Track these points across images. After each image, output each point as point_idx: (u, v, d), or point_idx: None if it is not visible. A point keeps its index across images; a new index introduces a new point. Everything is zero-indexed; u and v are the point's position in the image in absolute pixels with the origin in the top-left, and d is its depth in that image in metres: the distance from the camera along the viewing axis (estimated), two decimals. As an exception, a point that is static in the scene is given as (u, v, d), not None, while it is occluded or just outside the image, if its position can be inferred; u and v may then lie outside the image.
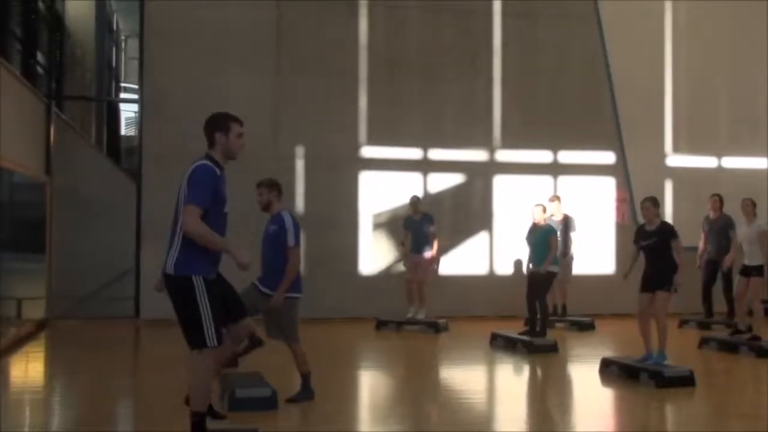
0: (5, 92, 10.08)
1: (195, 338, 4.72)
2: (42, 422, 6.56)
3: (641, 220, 13.18)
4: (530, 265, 10.08)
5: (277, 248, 6.66)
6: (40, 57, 13.83)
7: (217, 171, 4.86)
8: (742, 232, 10.04)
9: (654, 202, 8.12)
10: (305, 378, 6.74)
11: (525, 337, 9.72)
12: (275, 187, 6.83)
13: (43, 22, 14.17)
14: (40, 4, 13.89)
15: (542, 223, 10.09)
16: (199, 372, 4.82)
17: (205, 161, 4.87)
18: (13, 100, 10.52)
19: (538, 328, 9.85)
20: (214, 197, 4.78)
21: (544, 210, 10.30)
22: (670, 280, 7.82)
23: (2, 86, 9.90)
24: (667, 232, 7.96)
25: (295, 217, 6.88)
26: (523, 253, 10.49)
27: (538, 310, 9.93)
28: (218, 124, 4.98)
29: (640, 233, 8.20)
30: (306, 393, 6.73)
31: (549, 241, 9.89)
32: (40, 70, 13.63)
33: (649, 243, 8.02)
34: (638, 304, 8.07)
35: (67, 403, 7.32)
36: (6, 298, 11.15)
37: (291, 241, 6.61)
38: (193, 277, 4.69)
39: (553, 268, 9.97)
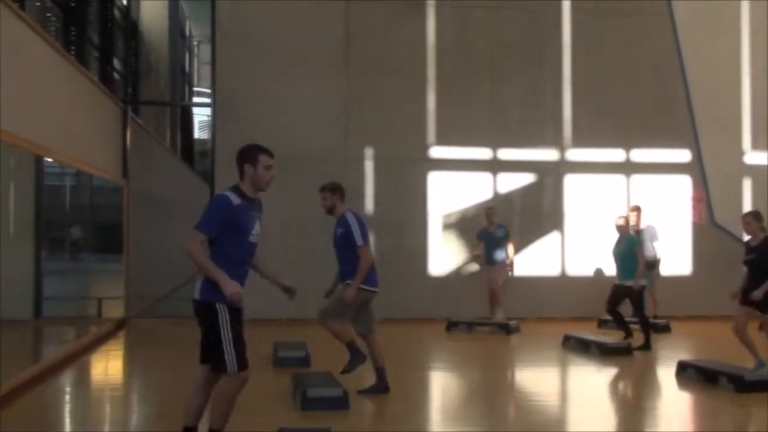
0: (85, 99, 10.42)
1: (217, 362, 4.81)
2: (121, 419, 6.74)
3: (718, 220, 12.92)
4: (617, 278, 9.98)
5: (347, 250, 6.86)
6: (116, 63, 14.23)
7: (236, 201, 4.79)
8: None
9: (755, 217, 7.85)
10: (379, 371, 6.89)
11: (596, 338, 9.62)
12: (338, 190, 6.98)
13: (119, 30, 14.57)
14: (116, 13, 14.29)
15: (626, 233, 9.98)
16: (225, 393, 4.92)
17: (225, 191, 4.89)
18: (92, 106, 10.85)
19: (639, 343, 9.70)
20: (229, 226, 4.76)
21: (627, 221, 10.16)
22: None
23: (82, 93, 10.23)
24: (766, 248, 7.68)
25: (359, 216, 7.01)
26: (599, 258, 10.30)
27: (638, 318, 9.83)
28: (247, 155, 4.92)
29: (746, 248, 7.93)
30: (379, 387, 6.88)
31: (635, 252, 9.73)
32: (116, 76, 14.02)
33: (749, 258, 7.78)
34: (736, 319, 7.80)
35: (145, 400, 7.51)
36: (87, 298, 11.51)
37: (359, 241, 6.79)
38: (217, 304, 4.76)
39: (642, 281, 9.78)
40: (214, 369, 4.90)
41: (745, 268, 7.95)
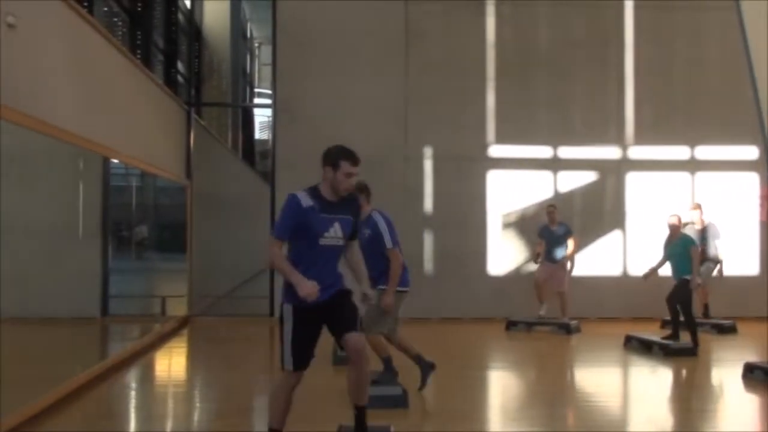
0: (150, 101, 10.66)
1: (280, 357, 4.95)
2: (184, 413, 6.89)
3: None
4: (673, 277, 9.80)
5: (375, 251, 6.73)
6: (180, 66, 14.52)
7: (306, 203, 4.75)
8: None
9: None
10: (387, 361, 7.00)
11: (659, 339, 9.45)
12: (364, 190, 6.82)
13: (182, 33, 14.86)
14: (180, 16, 14.57)
15: (678, 232, 9.80)
16: (274, 388, 5.10)
17: (299, 191, 4.85)
18: (157, 108, 11.10)
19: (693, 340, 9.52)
20: (301, 228, 4.75)
21: (680, 219, 9.98)
22: None
23: (147, 95, 10.47)
24: None
25: (387, 216, 6.89)
26: (656, 259, 10.12)
27: (682, 318, 9.61)
28: (329, 158, 4.84)
29: None
30: (388, 374, 6.98)
31: (690, 253, 9.56)
32: (180, 78, 14.30)
33: None
34: None
35: (207, 397, 7.65)
36: (152, 296, 11.76)
37: (389, 243, 6.70)
38: (284, 305, 4.86)
39: (698, 279, 9.63)
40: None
41: None
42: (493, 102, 12.71)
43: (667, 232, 10.00)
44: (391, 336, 7.03)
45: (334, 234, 4.85)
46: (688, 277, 9.52)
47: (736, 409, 7.05)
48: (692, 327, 9.59)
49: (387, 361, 6.96)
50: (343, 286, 4.99)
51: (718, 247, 11.17)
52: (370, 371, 5.37)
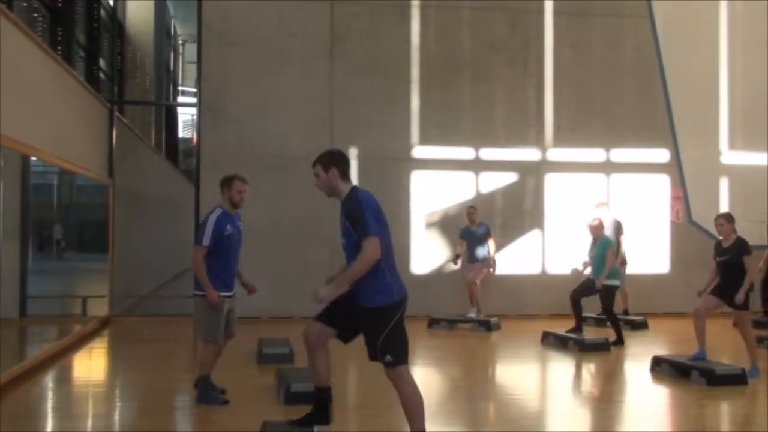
0: (71, 98, 10.50)
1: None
2: (104, 413, 6.86)
3: (695, 218, 13.13)
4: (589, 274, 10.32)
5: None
6: (102, 63, 14.30)
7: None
8: None
9: (727, 219, 8.16)
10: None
11: (574, 335, 9.84)
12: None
13: (105, 30, 14.64)
14: (103, 13, 14.35)
15: (600, 234, 10.29)
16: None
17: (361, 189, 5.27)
18: (79, 105, 10.94)
19: (613, 339, 9.97)
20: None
21: (601, 223, 10.40)
22: (746, 298, 7.80)
23: (68, 92, 10.31)
24: (740, 249, 7.95)
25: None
26: (579, 261, 10.53)
27: (607, 316, 10.17)
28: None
29: (717, 249, 8.22)
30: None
31: (605, 255, 10.00)
32: (102, 76, 14.09)
33: (724, 259, 8.05)
34: (702, 303, 8.07)
35: (127, 396, 7.62)
36: (73, 297, 11.58)
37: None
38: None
39: (614, 281, 10.11)
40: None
41: (714, 267, 8.24)
42: (417, 104, 12.93)
43: (589, 237, 10.40)
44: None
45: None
46: (607, 282, 9.96)
47: (643, 399, 7.39)
48: (615, 324, 10.07)
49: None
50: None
51: (621, 243, 11.62)
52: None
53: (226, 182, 6.74)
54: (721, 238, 8.21)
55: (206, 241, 6.61)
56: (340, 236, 5.12)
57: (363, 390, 7.76)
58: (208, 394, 6.69)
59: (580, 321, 10.20)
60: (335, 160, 5.21)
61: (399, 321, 5.08)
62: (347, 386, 7.43)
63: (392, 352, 5.02)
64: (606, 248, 10.09)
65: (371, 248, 4.80)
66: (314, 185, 5.25)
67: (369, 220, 4.91)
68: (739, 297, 7.77)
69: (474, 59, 13.11)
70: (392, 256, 5.09)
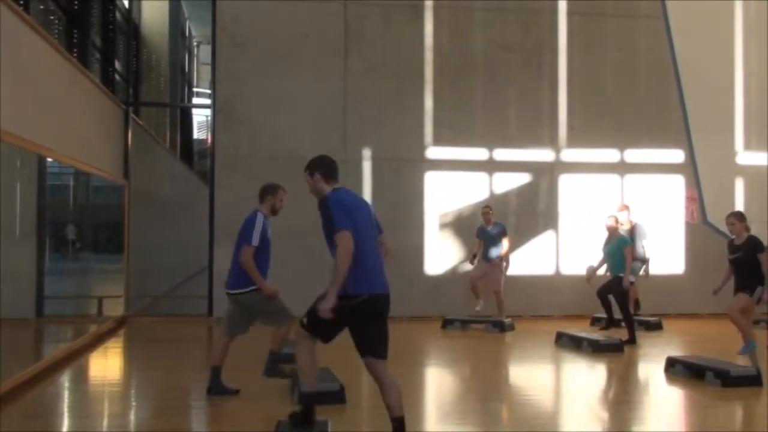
0: (87, 100, 10.58)
1: (386, 349, 5.52)
2: (119, 412, 6.91)
3: (710, 219, 13.07)
4: (607, 273, 10.41)
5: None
6: (117, 65, 14.40)
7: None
8: None
9: (738, 217, 8.21)
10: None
11: (588, 335, 9.84)
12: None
13: (120, 32, 14.74)
14: (118, 14, 14.45)
15: (616, 233, 10.33)
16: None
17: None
18: (94, 107, 11.02)
19: (626, 338, 10.01)
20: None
21: (617, 221, 10.46)
22: (754, 285, 7.81)
23: (84, 94, 10.39)
24: (753, 246, 7.96)
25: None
26: (593, 257, 10.59)
27: (622, 314, 10.23)
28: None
29: (729, 247, 8.28)
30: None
31: (624, 253, 10.05)
32: (118, 77, 14.19)
33: (736, 257, 8.07)
34: (731, 304, 8.15)
35: (142, 395, 7.67)
36: (89, 297, 11.65)
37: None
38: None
39: (630, 278, 10.20)
40: (384, 357, 5.34)
41: (728, 266, 8.28)
42: (430, 104, 12.94)
43: (605, 234, 10.50)
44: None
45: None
46: (622, 274, 10.02)
47: (658, 400, 7.38)
48: (629, 322, 10.11)
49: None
50: None
51: (645, 246, 11.61)
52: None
53: (271, 190, 7.18)
54: (733, 236, 8.21)
55: (255, 240, 6.89)
56: None
57: (375, 390, 7.75)
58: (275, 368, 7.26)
59: (612, 314, 10.28)
60: (317, 165, 5.38)
61: (359, 313, 5.20)
62: (360, 386, 7.44)
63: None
64: (623, 246, 10.18)
65: (344, 242, 4.99)
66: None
67: (337, 215, 5.05)
68: (765, 297, 7.81)
69: (487, 60, 13.11)
70: (366, 252, 5.19)
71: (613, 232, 10.47)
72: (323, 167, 5.38)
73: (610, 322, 10.63)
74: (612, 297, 10.38)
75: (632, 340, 10.00)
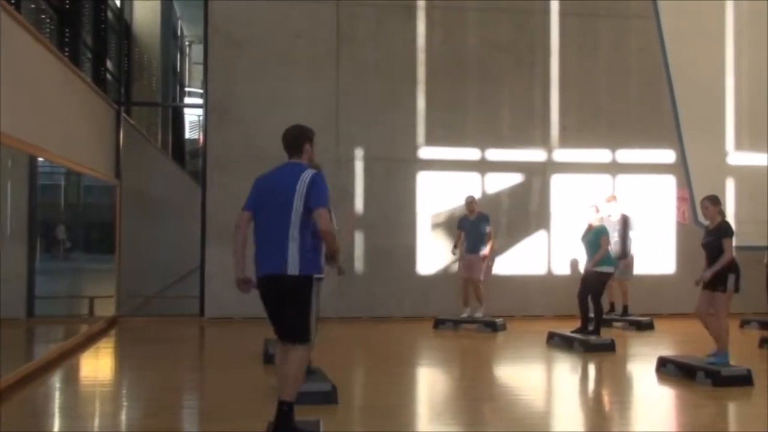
0: (78, 99, 10.55)
1: (301, 334, 5.01)
2: (111, 412, 6.89)
3: (702, 219, 13.11)
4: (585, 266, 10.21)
5: None
6: (109, 64, 14.37)
7: None
8: None
9: (712, 201, 8.11)
10: None
11: (579, 336, 9.80)
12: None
13: (112, 31, 14.70)
14: (110, 14, 14.41)
15: (596, 223, 10.17)
16: (297, 364, 5.10)
17: (313, 170, 5.29)
18: (86, 106, 10.99)
19: (591, 327, 9.91)
20: None
21: (597, 210, 10.36)
22: (725, 279, 7.78)
23: (75, 94, 10.36)
24: (721, 231, 7.92)
25: None
26: (579, 252, 10.55)
27: (590, 309, 9.99)
28: (308, 134, 5.58)
29: (704, 232, 8.22)
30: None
31: (600, 242, 9.96)
32: (109, 77, 14.15)
33: (707, 241, 8.04)
34: (697, 303, 8.05)
35: (134, 395, 7.65)
36: (80, 297, 11.61)
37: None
38: (314, 277, 5.00)
39: (607, 269, 10.03)
40: (291, 341, 5.03)
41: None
42: (423, 105, 12.95)
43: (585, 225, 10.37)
44: None
45: None
46: (599, 269, 9.91)
47: (648, 400, 7.40)
48: (597, 316, 9.96)
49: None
50: None
51: (631, 238, 11.62)
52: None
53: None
54: (707, 222, 8.21)
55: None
56: None
57: (368, 390, 7.77)
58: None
59: (587, 318, 10.14)
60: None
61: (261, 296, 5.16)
62: (352, 387, 7.44)
63: None
64: (599, 236, 10.02)
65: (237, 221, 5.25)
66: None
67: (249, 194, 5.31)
68: (705, 275, 7.78)
69: (480, 60, 13.13)
70: (260, 233, 5.18)
71: (593, 221, 10.24)
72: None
73: (584, 327, 10.24)
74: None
75: (596, 332, 9.84)
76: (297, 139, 5.24)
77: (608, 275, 10.13)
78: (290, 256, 4.95)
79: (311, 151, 5.31)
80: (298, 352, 5.07)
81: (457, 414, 6.76)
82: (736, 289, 7.87)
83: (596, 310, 10.04)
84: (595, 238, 10.04)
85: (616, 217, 11.59)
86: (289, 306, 5.01)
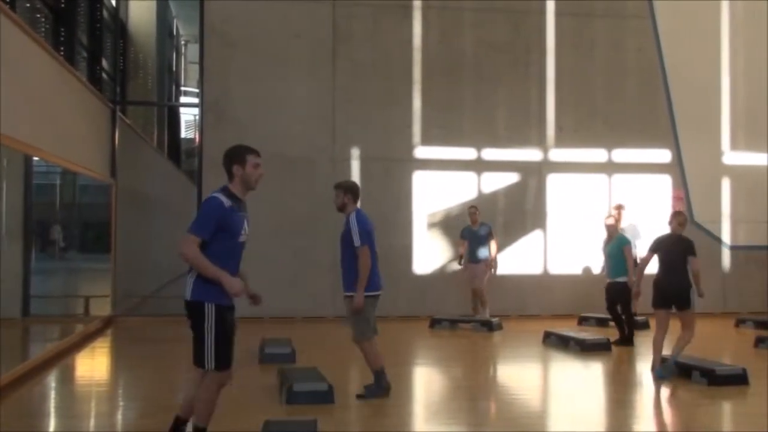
0: (74, 98, 10.53)
1: (199, 360, 4.93)
2: (107, 412, 6.88)
3: (697, 219, 13.15)
4: (606, 277, 10.37)
5: (346, 249, 6.98)
6: (104, 64, 14.34)
7: (227, 203, 4.90)
8: None
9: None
10: (377, 374, 6.98)
11: (575, 335, 9.86)
12: (350, 190, 7.06)
13: (107, 30, 14.67)
14: (105, 13, 14.38)
15: (615, 232, 10.30)
16: (205, 390, 5.01)
17: (215, 193, 4.97)
18: (81, 106, 10.97)
19: (626, 334, 10.06)
20: (222, 228, 4.87)
21: (616, 220, 10.45)
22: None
23: (71, 93, 10.34)
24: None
25: (362, 218, 7.02)
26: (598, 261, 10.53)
27: (622, 318, 10.16)
28: (235, 156, 5.04)
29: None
30: (378, 389, 6.92)
31: (623, 252, 10.03)
32: (105, 76, 14.13)
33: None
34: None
35: (130, 395, 7.64)
36: (75, 296, 11.58)
37: (356, 242, 6.88)
38: (206, 304, 4.86)
39: (625, 279, 10.11)
40: (196, 365, 4.97)
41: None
42: (419, 104, 12.95)
43: (594, 232, 10.43)
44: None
45: (246, 232, 5.04)
46: (620, 279, 9.98)
47: (644, 399, 7.41)
48: (630, 322, 10.07)
49: (378, 374, 6.98)
50: None
51: (637, 246, 11.63)
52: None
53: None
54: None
55: (367, 240, 7.04)
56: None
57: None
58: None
59: (623, 326, 10.14)
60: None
61: None
62: (348, 387, 7.44)
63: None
64: (623, 245, 10.12)
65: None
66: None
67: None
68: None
69: (476, 60, 13.13)
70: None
71: (612, 231, 10.37)
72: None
73: (622, 334, 10.22)
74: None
75: (630, 341, 10.00)
76: (224, 164, 5.05)
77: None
78: (187, 282, 4.93)
79: (243, 172, 5.00)
80: (206, 377, 5.00)
81: (454, 413, 6.76)
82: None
83: (628, 317, 10.14)
84: (617, 248, 10.10)
85: (624, 225, 11.58)
86: (192, 329, 4.98)
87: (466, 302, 11.86)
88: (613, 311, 10.27)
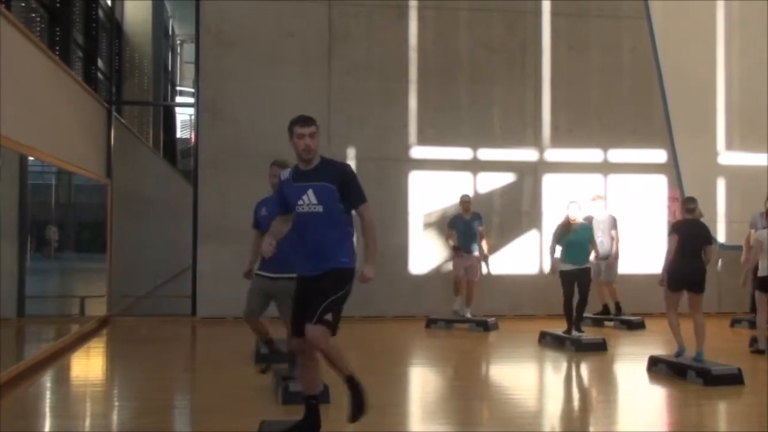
0: (69, 98, 10.51)
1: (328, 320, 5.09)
2: (102, 412, 6.87)
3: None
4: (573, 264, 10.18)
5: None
6: (100, 63, 14.32)
7: (284, 177, 5.28)
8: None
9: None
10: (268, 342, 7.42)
11: (576, 335, 9.84)
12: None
13: (103, 30, 14.66)
14: (101, 13, 14.37)
15: (578, 221, 10.20)
16: (332, 348, 5.27)
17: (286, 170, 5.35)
18: (76, 105, 10.95)
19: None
20: (283, 201, 5.29)
21: (579, 208, 10.38)
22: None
23: (66, 93, 10.32)
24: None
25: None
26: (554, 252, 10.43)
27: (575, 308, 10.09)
28: (288, 131, 5.21)
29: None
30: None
31: (589, 240, 10.08)
32: (100, 76, 14.11)
33: None
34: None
35: (125, 395, 7.63)
36: (71, 296, 11.56)
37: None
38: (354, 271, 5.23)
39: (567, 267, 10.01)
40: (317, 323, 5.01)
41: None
42: (414, 104, 12.95)
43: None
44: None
45: (305, 202, 5.12)
46: (587, 265, 10.00)
47: (640, 399, 7.42)
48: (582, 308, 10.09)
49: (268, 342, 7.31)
50: (334, 265, 5.21)
51: (614, 237, 11.63)
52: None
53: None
54: None
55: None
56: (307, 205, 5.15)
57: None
58: None
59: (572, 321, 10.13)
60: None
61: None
62: (344, 387, 7.42)
63: (333, 315, 5.17)
64: (589, 233, 10.10)
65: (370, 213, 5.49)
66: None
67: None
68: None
69: (471, 60, 13.14)
70: None
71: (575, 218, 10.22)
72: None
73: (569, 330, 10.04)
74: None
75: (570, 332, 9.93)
76: None
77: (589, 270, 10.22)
78: (342, 249, 5.40)
79: (292, 143, 5.20)
80: (316, 337, 5.16)
81: (450, 413, 6.77)
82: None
83: (585, 304, 10.19)
84: (586, 236, 10.08)
85: (602, 217, 11.60)
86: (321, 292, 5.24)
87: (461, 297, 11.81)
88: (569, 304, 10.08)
